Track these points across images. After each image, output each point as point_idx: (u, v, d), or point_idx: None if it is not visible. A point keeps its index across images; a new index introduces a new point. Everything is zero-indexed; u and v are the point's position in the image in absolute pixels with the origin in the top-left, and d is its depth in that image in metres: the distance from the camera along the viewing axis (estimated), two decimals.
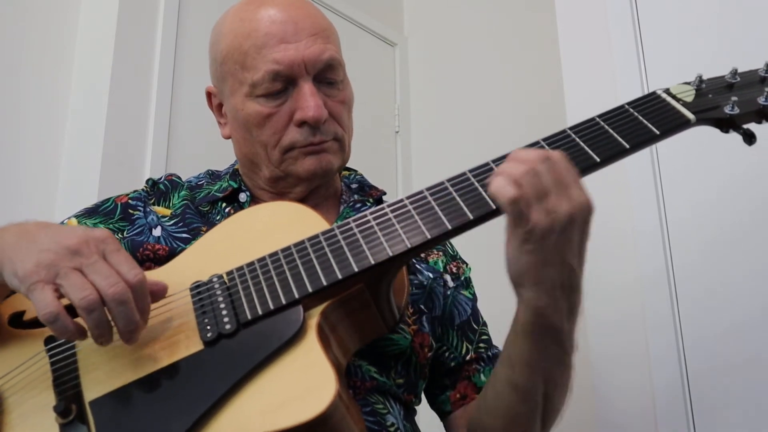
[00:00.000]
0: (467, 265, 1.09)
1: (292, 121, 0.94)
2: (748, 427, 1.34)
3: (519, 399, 0.84)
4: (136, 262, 0.92)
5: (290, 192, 0.99)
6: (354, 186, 1.08)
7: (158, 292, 0.75)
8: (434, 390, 1.01)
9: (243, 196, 1.01)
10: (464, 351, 1.00)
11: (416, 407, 1.00)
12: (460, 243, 1.02)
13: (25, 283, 0.68)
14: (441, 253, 1.05)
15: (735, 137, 0.83)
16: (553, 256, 0.73)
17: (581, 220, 0.74)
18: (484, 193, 0.75)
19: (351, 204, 1.03)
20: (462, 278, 1.06)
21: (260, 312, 0.73)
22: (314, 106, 0.92)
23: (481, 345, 1.02)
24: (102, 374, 0.72)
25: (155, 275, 0.84)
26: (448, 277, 1.03)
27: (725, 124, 0.81)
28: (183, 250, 0.91)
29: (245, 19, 0.95)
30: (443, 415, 1.01)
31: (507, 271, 0.77)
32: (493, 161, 0.78)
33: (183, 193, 1.02)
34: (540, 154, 0.73)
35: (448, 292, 1.02)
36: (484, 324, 1.05)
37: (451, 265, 1.05)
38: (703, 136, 0.86)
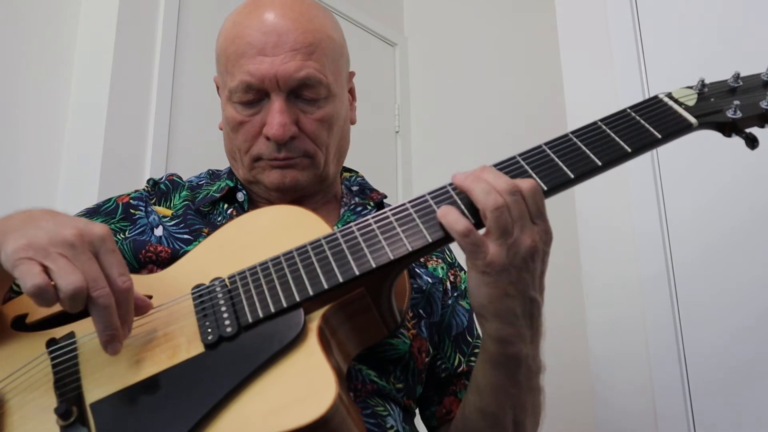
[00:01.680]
0: (465, 272, 1.08)
1: (262, 132, 0.94)
2: (748, 428, 1.35)
3: (488, 425, 0.86)
4: (136, 265, 0.93)
5: (267, 197, 1.00)
6: (355, 188, 1.08)
7: (142, 308, 0.74)
8: (422, 402, 1.01)
9: (240, 195, 1.01)
10: (456, 362, 1.00)
11: (416, 410, 1.00)
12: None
13: (12, 258, 0.66)
14: (440, 260, 1.05)
15: (736, 139, 0.84)
16: (513, 289, 0.73)
17: (542, 252, 0.74)
18: None
19: (352, 207, 1.03)
20: (460, 288, 1.05)
21: (261, 315, 0.72)
22: (277, 125, 0.91)
23: (473, 359, 1.01)
24: (103, 376, 0.72)
25: (158, 278, 0.85)
26: (448, 285, 1.03)
27: (728, 128, 0.82)
28: (185, 252, 0.92)
29: (236, 23, 0.96)
30: (431, 430, 1.01)
31: (469, 300, 0.77)
32: (495, 165, 0.78)
33: (184, 193, 1.02)
34: (509, 185, 0.72)
35: (449, 301, 1.02)
36: (479, 337, 1.04)
37: (450, 273, 1.05)
38: (704, 137, 0.86)
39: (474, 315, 0.79)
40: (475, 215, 0.74)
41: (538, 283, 0.76)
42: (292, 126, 0.93)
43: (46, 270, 0.65)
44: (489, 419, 0.85)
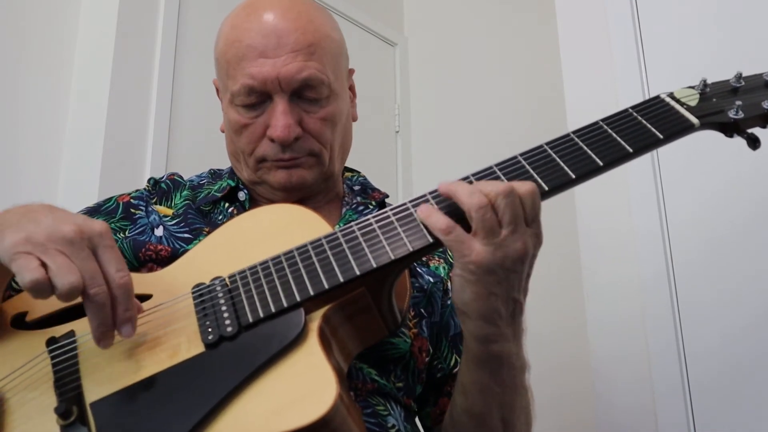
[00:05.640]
0: None
1: (266, 133, 0.94)
2: (748, 428, 1.35)
3: (475, 425, 0.85)
4: (135, 264, 0.93)
5: (271, 197, 1.00)
6: (356, 188, 1.08)
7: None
8: (419, 402, 1.01)
9: (242, 195, 1.01)
10: (452, 363, 0.99)
11: (416, 409, 1.00)
12: None
13: (9, 252, 0.66)
14: (442, 260, 1.04)
15: (736, 139, 0.83)
16: (499, 289, 0.73)
17: (531, 255, 0.74)
18: None
19: (353, 206, 1.03)
20: None
21: (261, 314, 0.72)
22: (281, 127, 0.91)
23: None
24: (103, 376, 0.72)
25: (158, 277, 0.84)
26: (448, 285, 1.02)
27: (730, 129, 0.81)
28: (185, 251, 0.91)
29: (235, 26, 0.95)
30: (426, 430, 1.01)
31: (453, 298, 0.77)
32: (497, 165, 0.78)
33: (185, 192, 1.02)
34: (505, 187, 0.72)
35: (448, 301, 1.01)
36: None
37: (450, 274, 1.04)
38: (704, 136, 0.86)
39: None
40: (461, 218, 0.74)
41: (523, 285, 0.76)
42: (296, 127, 0.93)
43: (44, 265, 0.65)
44: (476, 419, 0.85)
